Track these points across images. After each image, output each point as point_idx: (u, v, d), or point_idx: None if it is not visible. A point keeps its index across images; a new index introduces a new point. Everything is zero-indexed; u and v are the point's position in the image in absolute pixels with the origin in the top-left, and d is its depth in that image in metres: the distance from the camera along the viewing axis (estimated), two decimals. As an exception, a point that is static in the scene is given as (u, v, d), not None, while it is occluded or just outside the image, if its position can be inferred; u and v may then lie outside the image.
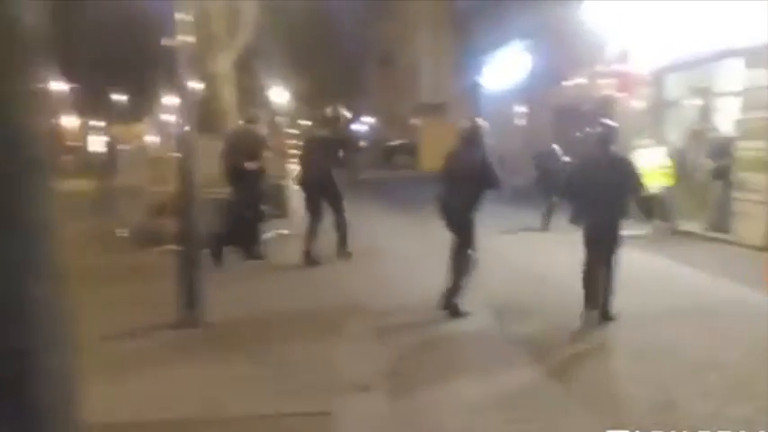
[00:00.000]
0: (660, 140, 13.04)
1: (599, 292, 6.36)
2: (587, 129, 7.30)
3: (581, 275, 6.42)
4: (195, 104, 5.60)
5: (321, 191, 8.85)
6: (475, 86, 26.24)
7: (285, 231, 10.11)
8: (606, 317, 6.43)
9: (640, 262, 8.21)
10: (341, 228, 9.04)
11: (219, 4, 9.14)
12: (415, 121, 38.89)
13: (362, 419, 3.77)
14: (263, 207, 9.21)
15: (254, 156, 8.68)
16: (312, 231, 8.76)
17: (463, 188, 6.54)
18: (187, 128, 5.52)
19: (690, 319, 6.65)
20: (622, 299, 6.81)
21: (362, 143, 11.17)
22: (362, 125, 59.76)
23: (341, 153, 9.01)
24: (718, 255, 9.95)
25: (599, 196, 6.22)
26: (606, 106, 14.80)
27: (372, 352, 5.10)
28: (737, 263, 9.31)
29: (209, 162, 9.74)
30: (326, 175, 8.82)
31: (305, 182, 9.05)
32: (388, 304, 7.08)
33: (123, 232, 10.50)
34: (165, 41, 5.42)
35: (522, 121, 21.61)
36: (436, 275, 6.81)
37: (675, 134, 13.06)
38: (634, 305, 6.89)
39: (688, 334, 6.20)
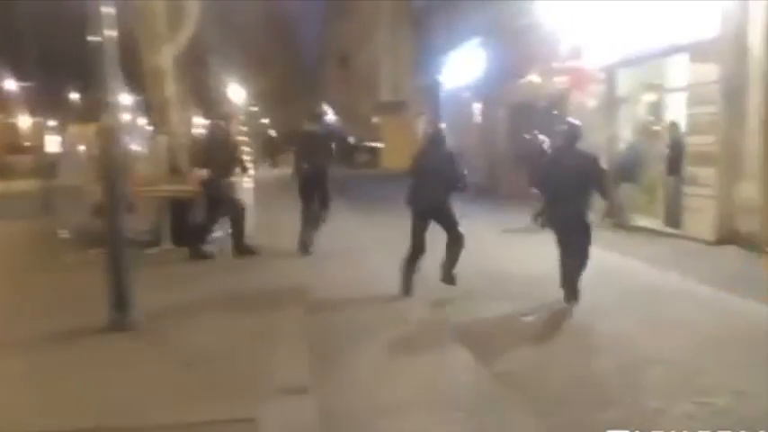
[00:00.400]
0: (613, 136, 13.17)
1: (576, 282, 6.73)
2: (557, 127, 7.70)
3: (559, 270, 6.77)
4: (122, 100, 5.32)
5: (315, 183, 9.10)
6: (434, 84, 26.17)
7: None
8: (573, 297, 6.74)
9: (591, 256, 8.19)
10: (318, 222, 9.25)
11: (161, -4, 8.90)
12: (375, 119, 38.75)
13: (288, 425, 3.57)
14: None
15: (229, 156, 8.82)
16: (307, 221, 9.00)
17: (433, 184, 7.16)
18: (111, 124, 5.24)
19: (637, 314, 6.62)
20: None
21: (350, 139, 11.39)
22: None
23: (333, 146, 9.36)
24: (670, 249, 9.99)
25: (565, 192, 6.58)
26: (559, 103, 14.88)
27: (309, 351, 4.90)
28: (687, 258, 9.35)
29: (157, 158, 9.47)
30: (322, 169, 9.08)
31: (300, 174, 9.20)
32: (334, 301, 6.98)
33: (64, 233, 10.13)
34: (90, 38, 5.16)
35: (478, 119, 21.60)
36: (388, 272, 6.86)
37: (628, 130, 13.13)
38: (582, 299, 6.86)
39: (634, 329, 6.15)
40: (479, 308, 6.88)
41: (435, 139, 7.61)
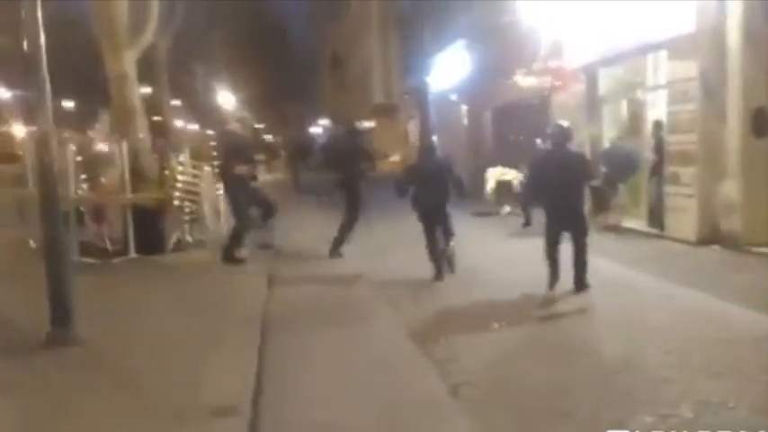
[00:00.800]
0: (597, 136, 12.95)
1: (559, 271, 7.09)
2: (548, 130, 8.10)
3: (545, 258, 7.11)
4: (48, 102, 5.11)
5: (348, 195, 9.61)
6: (422, 87, 26.02)
7: (202, 237, 9.68)
8: (583, 287, 7.12)
9: (564, 257, 8.08)
10: (344, 230, 9.57)
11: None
12: (367, 122, 38.55)
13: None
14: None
15: (247, 159, 9.00)
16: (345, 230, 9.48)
17: (432, 189, 8.08)
18: (45, 128, 5.01)
19: (606, 318, 6.43)
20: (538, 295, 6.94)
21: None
22: (318, 128, 59.44)
23: (363, 163, 9.89)
24: (649, 251, 9.75)
25: (559, 190, 6.99)
26: (543, 104, 14.68)
27: (253, 366, 4.66)
28: (664, 259, 9.10)
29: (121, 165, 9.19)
30: (354, 182, 9.60)
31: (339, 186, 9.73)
32: (300, 306, 6.88)
33: (33, 242, 9.86)
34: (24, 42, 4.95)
35: (465, 121, 21.43)
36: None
37: (612, 130, 12.91)
38: (552, 305, 6.71)
39: (603, 334, 5.97)
40: (454, 312, 6.78)
41: (429, 150, 8.96)
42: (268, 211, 9.40)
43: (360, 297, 7.44)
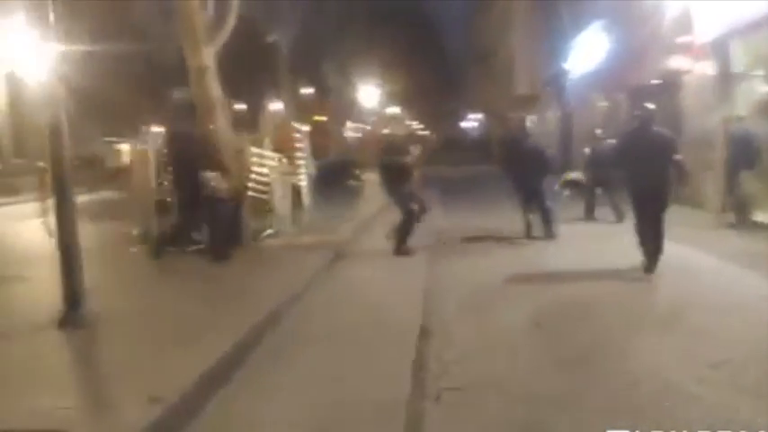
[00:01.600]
0: (730, 117, 11.47)
1: (650, 244, 7.25)
2: (635, 112, 7.99)
3: (636, 233, 7.40)
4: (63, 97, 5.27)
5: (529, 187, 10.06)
6: (560, 73, 24.99)
7: (277, 227, 9.72)
8: (651, 269, 7.20)
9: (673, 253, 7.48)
10: (545, 214, 10.00)
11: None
12: (512, 114, 37.56)
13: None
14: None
15: (403, 152, 9.25)
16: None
17: (526, 167, 9.92)
18: (58, 122, 5.15)
19: (669, 319, 5.63)
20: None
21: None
22: (470, 122, 58.92)
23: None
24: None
25: (643, 168, 7.17)
26: (675, 83, 13.35)
27: (218, 358, 4.50)
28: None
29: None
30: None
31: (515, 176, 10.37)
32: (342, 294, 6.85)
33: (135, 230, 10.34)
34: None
35: (603, 104, 20.18)
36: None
37: (745, 109, 11.36)
38: (616, 306, 6.16)
39: (650, 337, 5.21)
40: (495, 301, 6.52)
41: (522, 132, 10.83)
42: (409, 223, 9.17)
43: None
